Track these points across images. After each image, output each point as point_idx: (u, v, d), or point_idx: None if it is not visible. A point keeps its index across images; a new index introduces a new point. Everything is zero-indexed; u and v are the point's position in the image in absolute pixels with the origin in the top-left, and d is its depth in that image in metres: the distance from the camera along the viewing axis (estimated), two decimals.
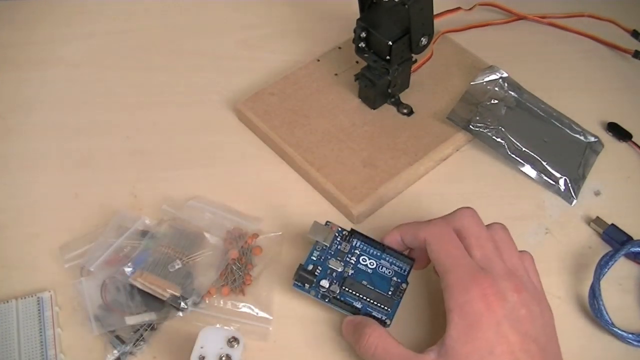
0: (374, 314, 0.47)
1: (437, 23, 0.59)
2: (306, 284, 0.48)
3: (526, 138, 0.58)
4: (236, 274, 0.51)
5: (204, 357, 0.44)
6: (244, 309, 0.50)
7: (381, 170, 0.56)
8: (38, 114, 0.62)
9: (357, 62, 0.63)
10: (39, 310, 0.49)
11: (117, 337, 0.47)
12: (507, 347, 0.41)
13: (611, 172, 0.58)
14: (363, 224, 0.55)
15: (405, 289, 0.49)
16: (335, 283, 0.48)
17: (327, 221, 0.51)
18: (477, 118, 0.58)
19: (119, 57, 0.67)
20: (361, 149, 0.58)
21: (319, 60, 0.64)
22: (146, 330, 0.48)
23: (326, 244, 0.50)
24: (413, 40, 0.55)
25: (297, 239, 0.53)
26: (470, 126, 0.58)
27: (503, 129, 0.58)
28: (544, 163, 0.57)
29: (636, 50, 0.65)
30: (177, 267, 0.50)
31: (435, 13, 0.56)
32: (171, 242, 0.51)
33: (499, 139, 0.58)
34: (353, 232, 0.51)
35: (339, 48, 0.65)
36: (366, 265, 0.50)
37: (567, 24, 0.69)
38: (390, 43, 0.55)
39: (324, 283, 0.48)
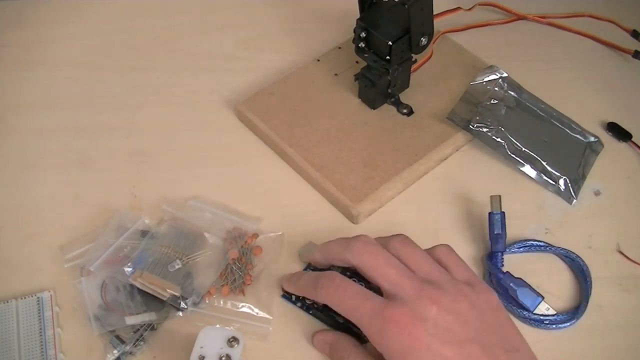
0: (354, 329, 0.47)
1: (437, 23, 0.59)
2: (293, 296, 0.49)
3: (526, 138, 0.58)
4: (236, 274, 0.51)
5: (203, 357, 0.44)
6: (244, 309, 0.50)
7: (381, 170, 0.56)
8: (38, 114, 0.62)
9: (357, 62, 0.63)
10: (39, 310, 0.49)
11: (117, 337, 0.47)
12: None
13: (611, 172, 0.58)
14: (363, 224, 0.55)
15: None
16: None
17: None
18: (477, 118, 0.58)
19: (119, 57, 0.67)
20: (361, 149, 0.58)
21: (319, 60, 0.64)
22: (146, 330, 0.48)
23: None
24: (413, 40, 0.55)
25: (297, 239, 0.53)
26: (470, 126, 0.58)
27: (503, 129, 0.58)
28: (544, 163, 0.57)
29: (636, 50, 0.65)
30: (177, 267, 0.50)
31: (435, 13, 0.56)
32: (171, 242, 0.51)
33: (499, 139, 0.58)
34: None
35: (339, 48, 0.65)
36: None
37: (567, 24, 0.69)
38: (390, 43, 0.55)
39: None
